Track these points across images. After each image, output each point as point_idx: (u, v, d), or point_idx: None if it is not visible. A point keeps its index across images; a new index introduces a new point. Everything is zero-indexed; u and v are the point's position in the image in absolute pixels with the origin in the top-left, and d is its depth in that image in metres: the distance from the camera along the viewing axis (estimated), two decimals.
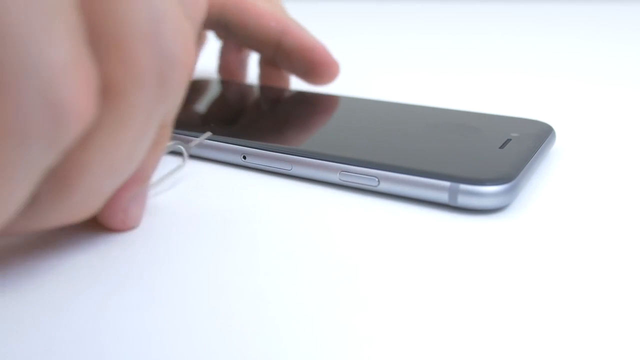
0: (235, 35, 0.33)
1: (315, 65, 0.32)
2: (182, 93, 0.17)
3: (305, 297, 0.17)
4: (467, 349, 0.14)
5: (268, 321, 0.16)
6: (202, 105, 0.32)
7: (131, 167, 0.17)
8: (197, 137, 0.25)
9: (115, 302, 0.16)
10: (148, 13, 0.15)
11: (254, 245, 0.19)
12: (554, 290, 0.17)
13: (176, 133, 0.26)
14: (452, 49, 0.50)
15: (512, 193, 0.21)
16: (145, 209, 0.21)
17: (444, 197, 0.21)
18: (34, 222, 0.16)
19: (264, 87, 0.35)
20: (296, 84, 0.35)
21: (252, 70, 0.37)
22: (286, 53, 0.32)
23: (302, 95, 0.32)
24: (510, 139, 0.24)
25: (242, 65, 0.37)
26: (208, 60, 0.39)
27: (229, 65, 0.36)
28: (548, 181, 0.24)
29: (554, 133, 0.26)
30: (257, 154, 0.25)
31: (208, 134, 0.25)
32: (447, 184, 0.21)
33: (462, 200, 0.21)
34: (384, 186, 0.22)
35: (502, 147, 0.24)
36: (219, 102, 0.33)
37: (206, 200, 0.22)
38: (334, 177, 0.23)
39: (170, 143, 0.23)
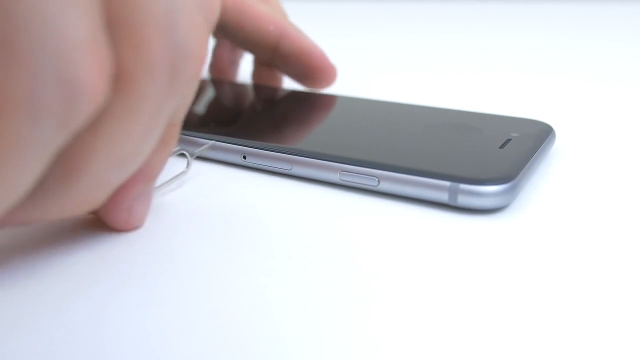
0: (232, 36, 0.32)
1: (313, 70, 0.32)
2: (193, 91, 0.17)
3: (305, 297, 0.17)
4: (467, 348, 0.14)
5: (268, 321, 0.16)
6: (202, 105, 0.32)
7: (138, 161, 0.17)
8: (197, 137, 0.25)
9: (116, 302, 0.16)
10: (166, 4, 0.15)
11: (254, 245, 0.19)
12: (554, 290, 0.17)
13: None
14: (452, 49, 0.50)
15: (512, 193, 0.21)
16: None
17: (444, 197, 0.21)
18: (37, 211, 0.16)
19: (264, 87, 0.35)
20: (295, 84, 0.35)
21: (245, 69, 0.37)
22: (284, 57, 0.32)
23: (302, 95, 0.32)
24: (510, 139, 0.24)
25: (233, 65, 0.37)
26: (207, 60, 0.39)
27: (221, 64, 0.36)
28: (548, 181, 0.24)
29: (554, 133, 0.26)
30: (257, 154, 0.25)
31: (213, 142, 0.25)
32: (447, 183, 0.21)
33: (462, 200, 0.21)
34: (384, 186, 0.22)
35: (502, 147, 0.24)
36: (219, 102, 0.33)
37: (206, 200, 0.22)
38: (334, 177, 0.23)
39: (177, 148, 0.23)
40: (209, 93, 0.34)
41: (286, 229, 0.20)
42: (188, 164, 0.23)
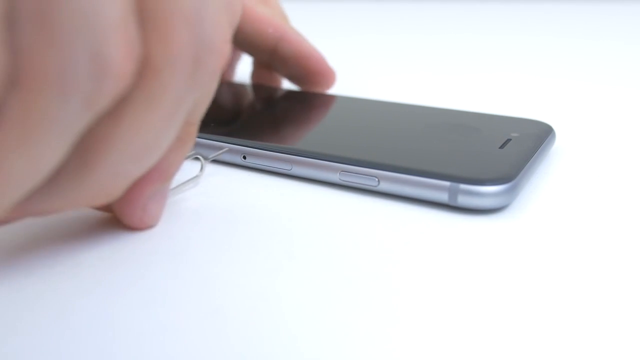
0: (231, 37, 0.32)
1: (311, 73, 0.32)
2: (213, 88, 0.18)
3: (305, 297, 0.17)
4: (466, 348, 0.14)
5: (268, 321, 0.16)
6: None
7: (155, 154, 0.17)
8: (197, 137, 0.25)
9: (116, 302, 0.16)
10: (194, 0, 0.15)
11: (254, 245, 0.19)
12: (554, 290, 0.17)
13: None
14: (452, 49, 0.50)
15: (512, 193, 0.21)
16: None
17: (444, 197, 0.21)
18: (53, 201, 0.16)
19: (263, 88, 0.35)
20: (294, 86, 0.35)
21: (245, 70, 0.37)
22: (282, 59, 0.32)
23: (302, 95, 0.32)
24: (510, 139, 0.24)
25: (230, 67, 0.37)
26: None
27: None
28: (548, 181, 0.24)
29: (554, 133, 0.26)
30: (257, 154, 0.25)
31: (229, 146, 0.25)
32: (447, 184, 0.21)
33: (462, 200, 0.21)
34: (384, 186, 0.22)
35: (502, 147, 0.24)
36: (219, 102, 0.33)
37: (206, 200, 0.22)
38: (334, 177, 0.23)
39: (191, 153, 0.23)
40: None
41: (286, 229, 0.20)
42: (202, 167, 0.23)
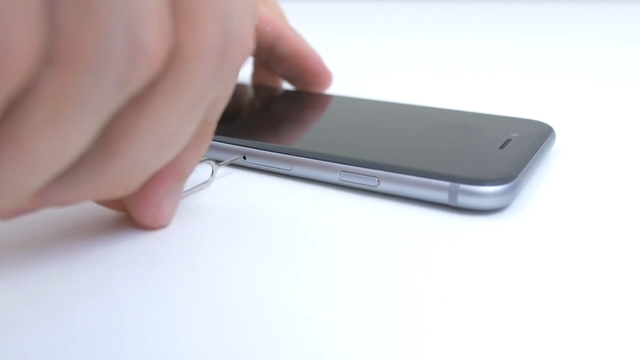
0: None
1: (308, 73, 0.32)
2: (232, 85, 0.18)
3: (305, 297, 0.17)
4: (467, 348, 0.14)
5: (268, 321, 0.16)
6: None
7: (175, 147, 0.17)
8: None
9: (115, 302, 0.16)
10: None
11: (254, 245, 0.19)
12: (553, 290, 0.17)
13: None
14: (452, 49, 0.50)
15: (512, 193, 0.21)
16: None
17: (444, 197, 0.21)
18: (72, 190, 0.16)
19: (263, 87, 0.35)
20: (291, 87, 0.35)
21: (244, 70, 0.37)
22: (279, 58, 0.32)
23: (302, 96, 0.32)
24: (510, 139, 0.24)
25: None
26: None
27: None
28: (548, 181, 0.24)
29: (554, 133, 0.26)
30: (257, 154, 0.25)
31: (239, 155, 0.25)
32: (447, 184, 0.21)
33: (462, 200, 0.21)
34: (384, 186, 0.22)
35: (502, 147, 0.24)
36: None
37: (205, 199, 0.22)
38: (334, 177, 0.23)
39: (203, 158, 0.23)
40: None
41: (286, 229, 0.20)
42: (213, 172, 0.23)
